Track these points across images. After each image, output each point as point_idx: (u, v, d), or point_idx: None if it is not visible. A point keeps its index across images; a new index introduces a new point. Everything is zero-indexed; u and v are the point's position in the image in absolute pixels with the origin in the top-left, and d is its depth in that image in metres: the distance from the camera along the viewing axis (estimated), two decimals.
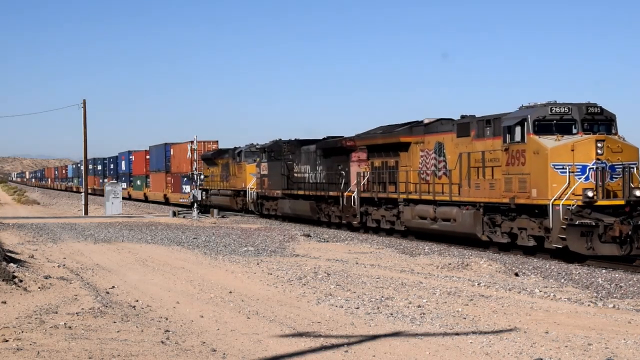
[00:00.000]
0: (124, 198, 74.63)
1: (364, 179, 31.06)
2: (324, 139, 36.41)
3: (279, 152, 40.02)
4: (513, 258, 21.75)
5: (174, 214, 43.87)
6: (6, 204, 70.62)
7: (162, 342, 10.17)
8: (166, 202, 62.18)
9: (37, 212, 54.07)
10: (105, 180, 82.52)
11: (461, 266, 19.37)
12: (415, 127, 28.04)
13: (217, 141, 57.55)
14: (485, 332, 10.96)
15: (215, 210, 45.51)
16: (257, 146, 45.26)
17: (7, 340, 9.80)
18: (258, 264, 19.82)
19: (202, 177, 51.28)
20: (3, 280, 14.33)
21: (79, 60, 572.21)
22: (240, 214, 46.82)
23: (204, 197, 51.56)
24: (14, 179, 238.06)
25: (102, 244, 26.43)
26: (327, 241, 28.23)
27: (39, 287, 14.80)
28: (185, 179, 55.01)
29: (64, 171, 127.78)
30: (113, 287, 15.75)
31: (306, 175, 36.91)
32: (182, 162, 57.87)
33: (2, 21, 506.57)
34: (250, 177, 44.91)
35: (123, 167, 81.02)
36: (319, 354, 9.77)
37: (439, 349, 10.00)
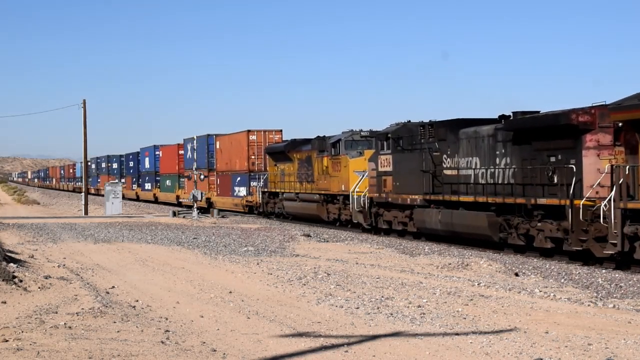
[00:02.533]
0: (148, 201, 68.83)
1: (620, 179, 18.41)
2: (502, 116, 23.94)
3: (411, 140, 27.82)
4: (513, 258, 21.74)
5: (174, 214, 43.96)
6: (6, 204, 70.63)
7: (162, 342, 10.17)
8: (209, 207, 48.53)
9: (37, 212, 54.10)
10: (123, 180, 75.98)
11: (461, 266, 19.39)
12: None
13: (280, 130, 46.24)
14: (485, 332, 10.96)
15: (215, 210, 45.08)
16: (362, 133, 33.65)
17: (7, 340, 9.81)
18: (258, 264, 19.83)
19: (264, 176, 43.09)
20: (3, 280, 14.34)
21: (80, 59, 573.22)
22: (333, 227, 34.47)
23: (271, 201, 42.74)
24: (15, 179, 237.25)
25: (102, 244, 26.45)
26: (327, 241, 28.24)
27: (39, 287, 14.81)
28: (239, 178, 46.12)
29: (71, 170, 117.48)
30: (113, 287, 15.76)
31: (471, 172, 24.63)
32: (233, 157, 47.51)
33: (2, 21, 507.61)
34: (354, 176, 32.69)
35: (147, 165, 69.43)
36: (319, 354, 9.77)
37: (439, 349, 10.00)
